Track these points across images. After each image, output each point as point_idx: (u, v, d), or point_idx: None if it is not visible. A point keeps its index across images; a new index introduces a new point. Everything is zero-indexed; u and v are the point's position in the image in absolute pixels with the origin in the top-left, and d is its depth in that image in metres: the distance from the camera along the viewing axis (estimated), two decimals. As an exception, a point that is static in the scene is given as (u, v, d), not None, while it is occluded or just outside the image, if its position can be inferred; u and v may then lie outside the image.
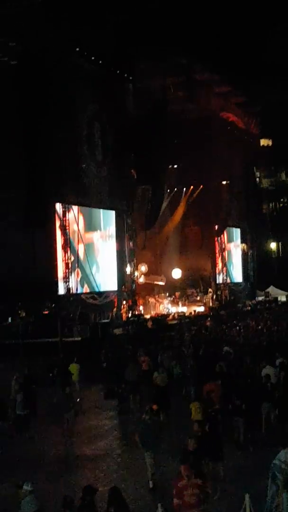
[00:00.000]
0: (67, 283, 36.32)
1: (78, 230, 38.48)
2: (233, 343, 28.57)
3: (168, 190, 51.74)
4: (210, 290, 52.86)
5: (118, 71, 41.50)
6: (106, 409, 22.47)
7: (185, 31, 40.90)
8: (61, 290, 36.42)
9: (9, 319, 35.31)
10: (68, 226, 36.61)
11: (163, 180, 47.97)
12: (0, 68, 34.79)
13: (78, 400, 21.74)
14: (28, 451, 17.52)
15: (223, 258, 56.82)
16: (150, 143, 42.64)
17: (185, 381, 22.54)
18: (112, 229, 43.57)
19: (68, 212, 36.72)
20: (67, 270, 36.28)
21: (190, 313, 46.50)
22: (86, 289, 39.81)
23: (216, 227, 55.25)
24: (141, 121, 43.42)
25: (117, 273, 43.64)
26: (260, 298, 60.35)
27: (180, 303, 49.28)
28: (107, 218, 43.23)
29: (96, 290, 40.79)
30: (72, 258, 37.00)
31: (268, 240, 71.40)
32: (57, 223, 36.50)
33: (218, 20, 43.76)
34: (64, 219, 36.38)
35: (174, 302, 49.05)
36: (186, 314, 45.45)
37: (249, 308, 53.42)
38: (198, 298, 51.94)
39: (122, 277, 43.93)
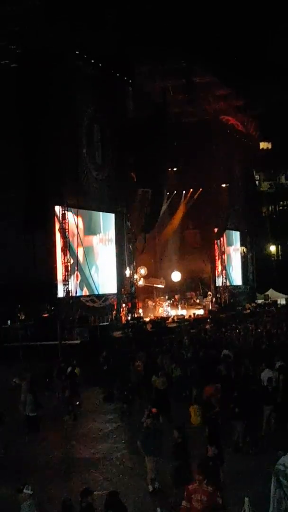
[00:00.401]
0: (67, 286, 36.30)
1: (78, 233, 38.45)
2: (233, 346, 28.54)
3: (168, 193, 51.77)
4: (209, 293, 52.87)
5: (118, 74, 41.53)
6: (105, 413, 22.44)
7: (185, 34, 40.93)
8: (61, 293, 36.40)
9: (9, 322, 35.24)
10: (68, 228, 36.61)
11: (162, 183, 47.98)
12: (0, 70, 34.82)
13: (77, 403, 21.72)
14: (27, 454, 17.48)
15: (222, 261, 56.80)
16: (149, 145, 42.66)
17: (185, 384, 22.51)
18: (111, 233, 43.55)
19: (68, 215, 36.70)
20: (66, 273, 36.26)
21: (190, 316, 46.52)
22: (85, 292, 39.78)
23: (216, 230, 55.23)
24: (141, 124, 43.45)
25: (116, 276, 43.62)
26: (259, 301, 60.40)
27: (179, 306, 49.30)
28: (107, 221, 43.21)
29: (96, 293, 40.76)
30: (72, 261, 36.97)
31: (268, 243, 71.48)
32: (57, 226, 36.50)
33: (218, 23, 43.80)
34: (63, 221, 36.38)
35: (174, 305, 49.06)
36: (186, 317, 45.49)
37: (249, 311, 53.45)
38: (198, 301, 51.96)
39: (121, 280, 43.91)
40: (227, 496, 11.84)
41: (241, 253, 63.70)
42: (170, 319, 44.05)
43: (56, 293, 36.24)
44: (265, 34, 48.13)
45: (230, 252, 60.92)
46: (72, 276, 36.99)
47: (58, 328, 31.24)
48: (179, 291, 52.23)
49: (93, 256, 41.21)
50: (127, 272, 44.49)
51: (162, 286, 49.83)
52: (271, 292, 61.87)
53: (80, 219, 39.06)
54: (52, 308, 36.16)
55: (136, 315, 42.70)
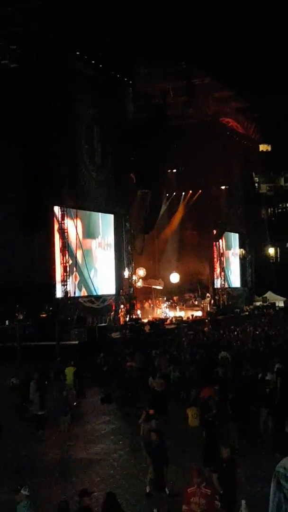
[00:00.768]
0: (65, 287, 36.29)
1: (77, 235, 38.41)
2: (231, 348, 28.54)
3: (167, 195, 51.80)
4: (208, 294, 52.87)
5: (118, 75, 41.55)
6: (103, 414, 22.42)
7: (186, 36, 40.96)
8: (59, 294, 36.39)
9: (7, 322, 35.25)
10: (67, 229, 36.59)
11: (162, 184, 48.02)
12: (0, 70, 34.81)
13: (74, 404, 21.70)
14: (24, 455, 17.46)
15: (221, 263, 56.84)
16: (149, 147, 42.72)
17: (183, 386, 22.50)
18: (110, 238, 43.53)
19: (67, 216, 36.70)
20: (65, 274, 36.25)
21: (188, 317, 46.53)
22: (84, 292, 39.77)
23: (215, 232, 55.27)
24: (141, 126, 43.48)
25: (115, 277, 43.61)
26: (257, 304, 60.38)
27: (177, 308, 49.31)
28: (106, 224, 43.17)
29: (94, 293, 40.76)
30: (70, 262, 36.97)
31: (266, 246, 71.46)
32: (56, 227, 36.49)
33: (219, 26, 43.85)
34: (62, 222, 36.38)
35: (172, 307, 49.06)
36: (184, 319, 45.48)
37: (247, 313, 53.46)
38: (196, 302, 51.95)
39: (120, 281, 43.91)
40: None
41: (239, 255, 63.73)
42: (168, 321, 44.05)
43: (54, 294, 36.24)
44: (265, 36, 48.18)
45: (229, 254, 60.94)
46: (70, 277, 36.99)
47: (56, 329, 31.26)
48: (178, 293, 52.24)
49: (92, 259, 41.18)
50: (126, 273, 44.49)
51: (161, 288, 49.82)
52: (269, 295, 61.86)
53: (79, 222, 39.04)
54: (51, 308, 36.16)
55: (134, 316, 42.68)
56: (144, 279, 48.09)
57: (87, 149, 40.03)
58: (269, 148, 72.05)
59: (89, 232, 41.22)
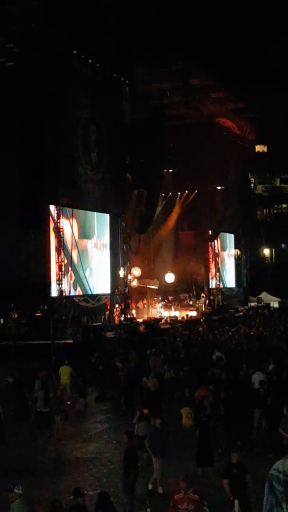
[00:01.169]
0: (60, 286, 36.27)
1: (73, 235, 38.39)
2: (225, 348, 28.58)
3: (163, 194, 51.84)
4: (202, 295, 52.93)
5: (115, 75, 41.53)
6: (97, 413, 22.44)
7: (183, 36, 40.99)
8: (54, 292, 36.37)
9: (1, 321, 35.21)
10: (62, 228, 36.58)
11: (158, 184, 48.03)
12: (-3, 69, 34.81)
13: (68, 403, 21.71)
14: (18, 454, 17.46)
15: (216, 263, 56.90)
16: (145, 147, 42.77)
17: (177, 386, 22.53)
18: (106, 238, 43.52)
19: (62, 215, 36.68)
20: (60, 273, 36.22)
21: (183, 317, 46.58)
22: (79, 291, 39.77)
23: (210, 232, 55.34)
24: (137, 125, 43.51)
25: (110, 276, 43.62)
26: (252, 304, 60.48)
27: (172, 308, 49.35)
28: (101, 223, 43.16)
29: (89, 293, 40.75)
30: (66, 261, 36.96)
31: (262, 246, 71.56)
32: (51, 225, 36.47)
33: (216, 26, 43.87)
34: (58, 221, 36.37)
35: (167, 306, 49.11)
36: (179, 319, 45.52)
37: (242, 313, 53.51)
38: (191, 302, 51.99)
39: (115, 280, 43.93)
40: (218, 499, 11.80)
41: (235, 256, 63.83)
42: (163, 320, 44.09)
43: (49, 293, 36.22)
44: (263, 37, 48.20)
45: (224, 254, 61.02)
46: (65, 276, 36.97)
47: (51, 328, 31.26)
48: (173, 293, 52.28)
49: (88, 259, 41.17)
50: (121, 273, 44.51)
51: (156, 287, 49.86)
52: (264, 295, 61.97)
53: (74, 221, 39.03)
54: (45, 307, 36.13)
55: (129, 316, 42.72)
56: (139, 278, 48.12)
57: (83, 148, 40.01)
58: (265, 149, 72.14)
59: (85, 232, 41.21)
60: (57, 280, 36.21)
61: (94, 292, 41.30)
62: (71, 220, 38.20)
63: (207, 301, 52.77)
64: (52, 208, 36.47)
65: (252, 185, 71.99)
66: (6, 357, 29.20)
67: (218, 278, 57.04)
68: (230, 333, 36.52)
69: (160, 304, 48.53)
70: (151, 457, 14.50)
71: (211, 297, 54.64)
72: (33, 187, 34.27)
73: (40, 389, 20.04)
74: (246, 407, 17.94)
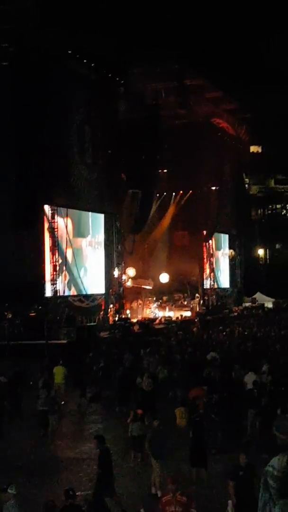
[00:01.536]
0: (55, 285, 36.24)
1: (67, 234, 38.38)
2: (219, 349, 28.61)
3: (158, 195, 51.85)
4: (197, 295, 52.95)
5: (110, 75, 41.53)
6: (91, 413, 22.43)
7: (178, 37, 41.05)
8: (48, 292, 36.35)
9: (-4, 321, 35.16)
10: (57, 228, 36.56)
11: (153, 184, 48.04)
12: (-8, 68, 34.74)
13: (62, 403, 21.70)
14: (11, 453, 17.44)
15: (210, 264, 56.93)
16: (140, 147, 42.78)
17: (171, 386, 22.54)
18: (100, 236, 43.52)
19: (57, 215, 36.66)
20: (54, 272, 36.21)
21: (177, 317, 46.60)
22: (73, 291, 39.75)
23: (205, 232, 55.37)
24: (132, 125, 43.50)
25: (104, 276, 43.62)
26: (247, 304, 60.53)
27: (167, 308, 49.34)
28: (96, 223, 43.17)
29: (84, 293, 40.75)
30: (60, 261, 36.94)
31: (256, 247, 71.67)
32: (46, 225, 36.43)
33: (211, 27, 43.96)
34: (52, 221, 36.35)
35: (161, 307, 49.11)
36: (173, 319, 45.53)
37: (236, 314, 53.56)
38: (185, 303, 52.00)
39: (109, 280, 43.91)
40: (211, 498, 11.80)
41: (229, 256, 63.86)
42: (157, 321, 44.10)
43: (44, 293, 36.19)
44: (257, 38, 48.33)
45: (219, 255, 61.05)
46: (60, 276, 36.95)
47: (45, 328, 31.24)
48: (167, 293, 52.29)
49: (82, 258, 41.16)
50: (116, 273, 44.51)
51: (150, 287, 49.87)
52: (258, 296, 62.04)
53: (69, 220, 39.02)
54: (40, 307, 36.11)
55: (123, 316, 42.71)
56: (133, 278, 48.14)
57: (78, 148, 39.97)
58: (259, 149, 72.34)
59: (79, 231, 41.21)
60: (51, 280, 36.18)
61: (89, 292, 41.31)
62: (65, 219, 38.19)
63: (201, 302, 52.78)
64: (46, 208, 36.44)
65: (246, 185, 72.07)
66: (0, 357, 29.14)
67: (212, 279, 57.07)
68: (224, 333, 36.55)
69: (154, 304, 48.54)
70: (150, 459, 14.43)
71: (206, 298, 54.67)
72: (28, 187, 34.22)
73: (42, 388, 20.28)
74: (240, 407, 17.96)
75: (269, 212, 78.82)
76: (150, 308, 47.91)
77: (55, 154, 35.86)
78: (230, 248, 64.09)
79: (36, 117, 33.57)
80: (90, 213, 42.42)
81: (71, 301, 39.15)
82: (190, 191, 53.74)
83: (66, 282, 38.45)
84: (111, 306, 42.92)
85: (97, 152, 41.76)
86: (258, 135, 64.30)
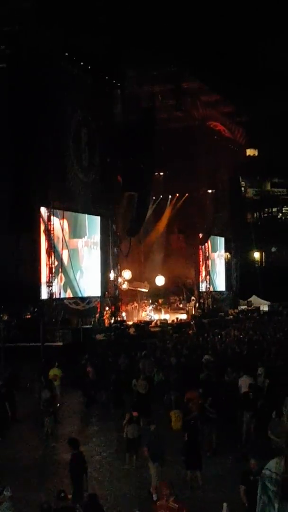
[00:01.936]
0: (50, 288, 36.20)
1: (63, 236, 38.39)
2: (215, 352, 28.63)
3: (154, 197, 51.89)
4: (193, 298, 53.00)
5: (107, 77, 41.57)
6: (86, 415, 22.43)
7: (175, 39, 41.12)
8: (44, 295, 36.30)
9: (-9, 322, 35.11)
10: (53, 230, 36.57)
11: (149, 187, 48.03)
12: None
13: (58, 405, 21.71)
14: (6, 456, 17.44)
15: (206, 267, 56.96)
16: (137, 150, 42.74)
17: (166, 389, 22.56)
18: (97, 236, 43.53)
19: (53, 217, 36.67)
20: (50, 275, 36.18)
21: (173, 320, 46.60)
22: (69, 294, 39.73)
23: (201, 235, 55.40)
24: (129, 128, 43.52)
25: (100, 279, 43.60)
26: (242, 307, 60.60)
27: (162, 310, 49.37)
28: (92, 225, 43.18)
29: (79, 295, 40.73)
30: (56, 263, 36.94)
31: (252, 250, 71.78)
32: (42, 228, 36.44)
33: (208, 30, 44.05)
34: (48, 223, 36.36)
35: (157, 309, 49.12)
36: (169, 322, 45.52)
37: (231, 317, 53.61)
38: (181, 305, 52.08)
39: (105, 283, 43.90)
40: (206, 501, 11.81)
41: (225, 259, 63.91)
42: (153, 323, 44.08)
43: (39, 295, 36.15)
44: (254, 41, 48.46)
45: (215, 257, 61.09)
46: (56, 278, 36.95)
47: (41, 330, 31.23)
48: (163, 296, 52.32)
49: (78, 259, 41.16)
50: (111, 275, 44.50)
51: (146, 290, 49.89)
52: (254, 299, 62.12)
53: (65, 222, 39.03)
54: (35, 309, 36.10)
55: (119, 319, 42.69)
56: (129, 281, 48.14)
57: (74, 150, 39.98)
58: (256, 152, 72.40)
59: (76, 232, 41.20)
60: (47, 282, 36.15)
61: (85, 295, 41.29)
62: (62, 221, 38.19)
63: (197, 304, 52.81)
64: (43, 210, 36.45)
65: (242, 188, 72.18)
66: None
67: (208, 281, 57.10)
68: (219, 336, 36.58)
69: (150, 307, 48.55)
70: (148, 463, 14.39)
71: (201, 300, 54.69)
72: (24, 189, 34.21)
73: (44, 388, 20.59)
74: (234, 410, 17.99)
75: (265, 215, 79.08)
76: (145, 311, 47.93)
77: (51, 156, 35.86)
78: (226, 251, 64.12)
79: (32, 119, 33.59)
80: (86, 215, 42.42)
81: (67, 303, 39.14)
82: (186, 194, 53.83)
83: (62, 284, 38.43)
84: (107, 308, 42.91)
85: (93, 154, 41.79)
86: (254, 139, 64.37)
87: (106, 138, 42.34)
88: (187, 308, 51.04)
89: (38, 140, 34.25)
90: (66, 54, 37.18)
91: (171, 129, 49.27)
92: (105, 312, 42.28)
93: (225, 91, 50.75)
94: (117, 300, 44.65)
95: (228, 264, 64.24)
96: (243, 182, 71.70)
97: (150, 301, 49.56)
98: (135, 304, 48.00)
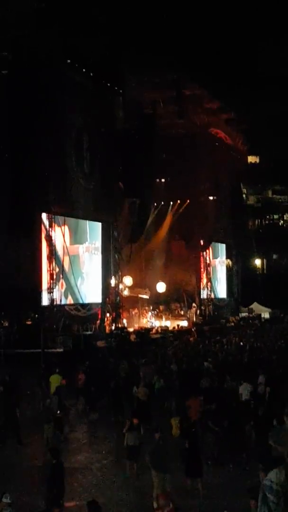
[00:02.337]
0: (51, 294, 36.15)
1: (64, 242, 38.37)
2: (216, 359, 28.55)
3: (155, 204, 51.89)
4: (194, 305, 52.92)
5: (108, 84, 41.57)
6: (86, 422, 22.34)
7: (176, 46, 41.14)
8: (45, 301, 36.24)
9: (-9, 329, 35.07)
10: (54, 236, 36.53)
11: (150, 193, 48.06)
12: (-10, 77, 34.80)
13: (58, 412, 21.60)
14: (6, 462, 17.35)
15: (207, 273, 56.92)
16: (138, 156, 42.76)
17: (167, 396, 22.48)
18: (98, 242, 43.50)
19: (54, 223, 36.65)
20: (51, 281, 36.14)
21: (174, 327, 46.51)
22: (70, 300, 39.67)
23: (202, 242, 55.38)
24: (130, 134, 43.55)
25: (101, 285, 43.55)
26: (243, 314, 60.49)
27: (163, 317, 49.28)
28: (93, 231, 43.17)
29: (80, 301, 40.66)
30: (57, 269, 36.88)
31: (253, 257, 71.71)
32: (43, 234, 36.41)
33: (210, 37, 44.07)
34: (49, 229, 36.33)
35: (158, 316, 49.03)
36: (170, 329, 45.45)
37: (233, 324, 53.51)
38: (182, 312, 52.00)
39: (106, 289, 43.84)
40: (207, 510, 11.73)
41: (226, 266, 63.86)
42: (154, 330, 44.01)
43: (40, 301, 36.10)
44: (256, 48, 48.48)
45: (216, 264, 61.06)
46: (57, 284, 36.88)
47: (41, 336, 31.17)
48: (164, 302, 52.24)
49: (79, 265, 41.11)
50: (112, 282, 44.43)
51: (147, 297, 49.79)
52: (255, 306, 61.99)
53: (66, 228, 39.01)
54: (36, 315, 36.03)
55: (120, 325, 42.60)
56: (130, 288, 48.05)
57: (76, 156, 39.98)
58: (257, 159, 72.57)
59: (77, 238, 41.18)
60: (48, 289, 36.09)
61: (85, 301, 41.23)
62: (63, 227, 38.18)
63: (198, 311, 52.74)
64: (44, 216, 36.43)
65: (244, 195, 72.20)
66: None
67: (209, 288, 57.03)
68: (221, 343, 36.48)
69: (151, 314, 48.46)
70: (151, 471, 14.25)
71: (202, 307, 54.62)
72: (25, 195, 34.19)
73: (54, 394, 20.62)
74: (234, 418, 17.89)
75: (266, 222, 79.03)
76: (146, 318, 47.83)
77: (52, 162, 35.86)
78: (227, 258, 64.10)
79: (33, 125, 33.62)
80: (87, 221, 42.40)
81: (68, 309, 39.07)
82: (188, 201, 53.80)
83: (63, 290, 38.38)
84: (108, 315, 42.81)
85: (94, 160, 41.79)
86: (255, 146, 64.51)
87: (108, 144, 42.34)
88: (188, 315, 50.96)
89: (39, 146, 34.27)
90: (68, 60, 37.18)
91: (173, 135, 49.30)
92: (106, 319, 42.19)
93: (226, 98, 50.81)
94: (118, 307, 44.55)
95: (229, 271, 64.20)
96: (244, 189, 71.70)
97: (151, 307, 49.47)
98: (136, 310, 47.91)
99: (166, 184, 53.00)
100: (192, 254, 55.40)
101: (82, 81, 39.17)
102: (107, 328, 41.24)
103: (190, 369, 25.41)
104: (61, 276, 37.81)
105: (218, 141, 56.35)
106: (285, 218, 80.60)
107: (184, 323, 48.60)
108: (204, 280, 56.35)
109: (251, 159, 70.44)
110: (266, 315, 59.94)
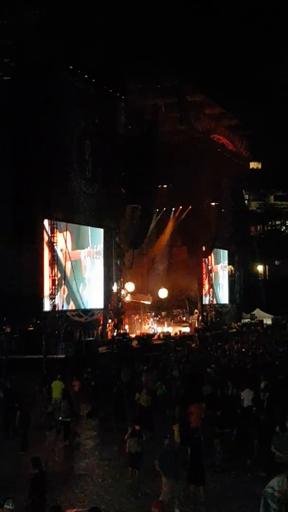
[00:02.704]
0: (53, 300, 36.15)
1: (66, 247, 38.37)
2: (218, 365, 28.50)
3: (157, 210, 51.90)
4: (196, 311, 52.84)
5: (110, 90, 41.65)
6: (88, 429, 22.28)
7: (178, 52, 41.25)
8: (47, 307, 36.24)
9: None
10: (56, 242, 36.54)
11: (152, 199, 48.07)
12: (-7, 83, 34.88)
13: (60, 418, 21.55)
14: (8, 469, 17.30)
15: (210, 279, 56.89)
16: (140, 162, 42.80)
17: (169, 402, 22.42)
18: (100, 246, 43.49)
19: (56, 229, 36.65)
20: (53, 287, 36.14)
21: (176, 333, 46.46)
22: (72, 306, 39.64)
23: (204, 248, 55.37)
24: (132, 140, 43.59)
25: (103, 291, 43.50)
26: (245, 321, 60.44)
27: (165, 323, 49.22)
28: (95, 236, 43.17)
29: (82, 307, 40.62)
30: (59, 275, 36.87)
31: (255, 263, 71.65)
32: (45, 240, 36.41)
33: (212, 43, 44.19)
34: (52, 235, 36.34)
35: (160, 322, 48.98)
36: (172, 335, 45.39)
37: (235, 330, 53.46)
38: (184, 318, 51.93)
39: (108, 295, 43.79)
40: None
41: (228, 272, 63.82)
42: (156, 336, 43.95)
43: (42, 307, 36.09)
44: (258, 55, 48.60)
45: (218, 270, 61.01)
46: (59, 290, 36.86)
47: (43, 342, 31.13)
48: (166, 308, 52.17)
49: (81, 270, 41.07)
50: (114, 288, 44.39)
51: (149, 303, 49.74)
52: (257, 312, 61.96)
53: (68, 234, 39.01)
54: (38, 321, 35.98)
55: (122, 331, 42.55)
56: (132, 293, 48.00)
57: (78, 162, 40.02)
58: (259, 165, 72.55)
59: (78, 244, 41.16)
60: (50, 295, 36.10)
61: (87, 307, 41.19)
62: (65, 233, 38.19)
63: (200, 317, 52.68)
64: (46, 222, 36.44)
65: (246, 201, 72.22)
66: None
67: (211, 294, 57.00)
68: (223, 349, 36.43)
69: (153, 320, 48.40)
70: (162, 478, 14.11)
71: (205, 313, 54.56)
72: (27, 201, 34.26)
73: (62, 399, 20.57)
74: (238, 424, 17.85)
75: (269, 228, 78.97)
76: (148, 324, 47.78)
77: (54, 168, 35.94)
78: (229, 264, 64.07)
79: (36, 131, 33.71)
80: (89, 227, 42.40)
81: (70, 315, 39.03)
82: (190, 207, 53.81)
83: (65, 296, 38.36)
84: (110, 321, 42.78)
85: (96, 166, 41.82)
86: (257, 151, 64.54)
87: (110, 150, 42.37)
88: (190, 321, 50.89)
89: (41, 151, 34.34)
90: (70, 67, 37.28)
91: (175, 142, 49.35)
92: (107, 325, 42.16)
93: (228, 104, 50.91)
94: (120, 313, 44.52)
95: (231, 277, 64.14)
96: (246, 195, 71.74)
97: (153, 313, 49.42)
98: (138, 316, 47.87)
99: (168, 190, 53.04)
100: (194, 260, 55.35)
101: (84, 87, 39.25)
102: (109, 334, 41.21)
103: (192, 375, 25.35)
104: (63, 282, 37.82)
105: (220, 147, 56.42)
106: (287, 224, 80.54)
107: (186, 329, 48.56)
108: (206, 286, 56.32)
109: (253, 165, 70.43)
110: (268, 321, 59.89)
